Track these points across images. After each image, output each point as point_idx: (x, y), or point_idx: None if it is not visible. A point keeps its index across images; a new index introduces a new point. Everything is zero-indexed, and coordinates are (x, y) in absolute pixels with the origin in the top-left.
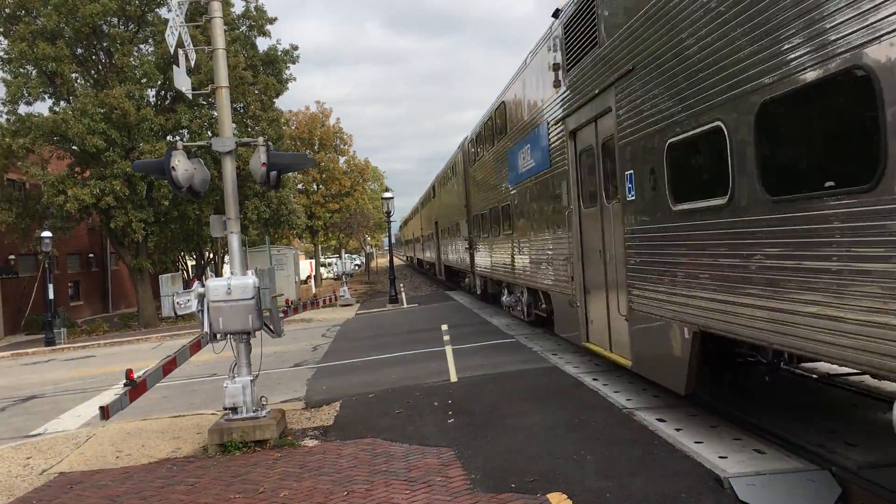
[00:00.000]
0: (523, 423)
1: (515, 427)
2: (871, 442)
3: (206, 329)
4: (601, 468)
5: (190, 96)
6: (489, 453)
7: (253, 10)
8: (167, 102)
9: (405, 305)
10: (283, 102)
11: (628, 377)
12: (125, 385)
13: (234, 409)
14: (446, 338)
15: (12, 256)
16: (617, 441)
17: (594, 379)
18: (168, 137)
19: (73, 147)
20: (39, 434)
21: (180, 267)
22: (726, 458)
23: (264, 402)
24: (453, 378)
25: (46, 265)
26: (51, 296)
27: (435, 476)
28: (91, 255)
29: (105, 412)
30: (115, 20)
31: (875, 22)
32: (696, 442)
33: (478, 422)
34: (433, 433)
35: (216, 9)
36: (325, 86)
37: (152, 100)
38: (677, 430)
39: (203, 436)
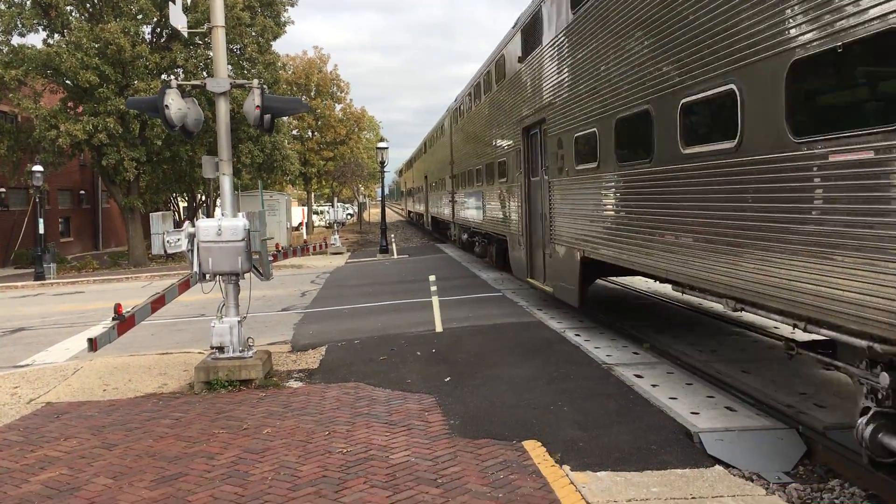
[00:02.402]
0: (505, 374)
1: (497, 377)
2: (838, 404)
3: (196, 269)
4: (577, 419)
5: (186, 35)
6: (469, 401)
7: None
8: (163, 40)
9: (395, 256)
10: (281, 46)
11: (610, 334)
12: (113, 319)
13: (221, 349)
14: (433, 288)
15: (2, 189)
16: (594, 394)
17: (577, 334)
18: (163, 76)
19: (67, 81)
20: (27, 365)
21: (172, 208)
22: (698, 413)
23: (251, 344)
24: (438, 328)
25: (37, 200)
26: (41, 230)
27: (415, 420)
28: (82, 192)
29: (93, 344)
30: None
31: None
32: (670, 398)
33: (460, 371)
34: (416, 380)
35: None
36: (324, 31)
37: (148, 37)
38: (653, 385)
39: (189, 373)
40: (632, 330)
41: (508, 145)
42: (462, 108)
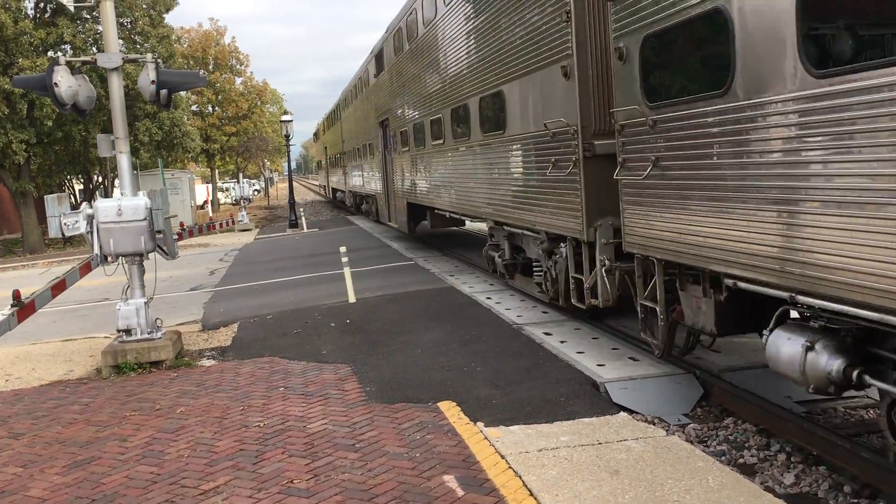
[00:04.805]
0: (419, 339)
1: (411, 343)
2: (732, 348)
3: (97, 251)
4: (490, 378)
5: (72, 9)
6: (385, 368)
7: None
8: (47, 15)
9: (305, 230)
10: (176, 19)
11: (520, 296)
12: (12, 306)
13: (128, 331)
14: (345, 260)
15: None
16: (506, 353)
17: (487, 298)
18: (49, 53)
19: None
20: None
21: (67, 190)
22: (604, 365)
23: (159, 325)
24: (352, 299)
25: None
26: None
27: (331, 390)
28: None
29: None
30: None
31: None
32: (577, 352)
33: (375, 339)
34: (331, 351)
35: None
36: (223, 1)
37: (31, 12)
38: (562, 342)
39: (96, 358)
40: None
41: None
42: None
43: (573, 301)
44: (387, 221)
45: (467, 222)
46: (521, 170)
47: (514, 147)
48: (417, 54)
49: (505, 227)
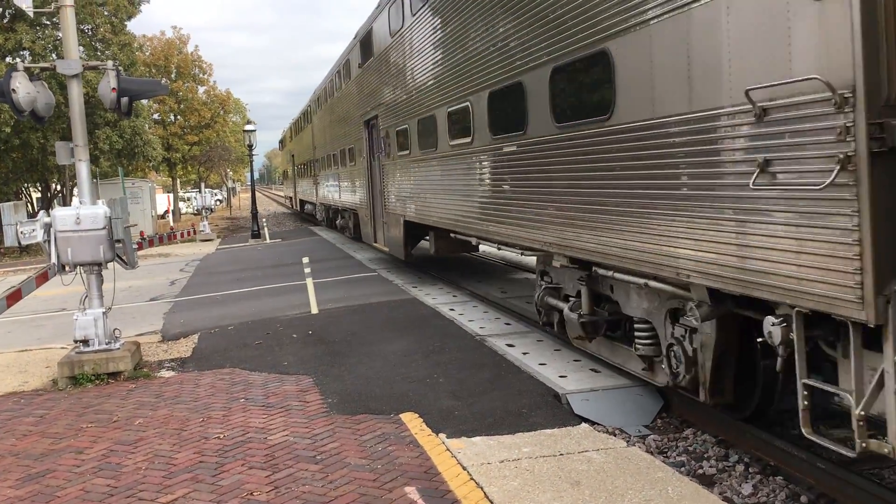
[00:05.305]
0: (382, 350)
1: (374, 354)
2: None
3: (54, 260)
4: (452, 389)
5: (31, 14)
6: (347, 379)
7: None
8: (6, 21)
9: (268, 240)
10: (138, 27)
11: (483, 308)
12: None
13: (86, 342)
14: (308, 270)
15: None
16: (469, 365)
17: (451, 309)
18: (7, 59)
19: None
20: None
21: (24, 198)
22: (566, 377)
23: (118, 335)
24: (314, 310)
25: None
26: None
27: (293, 401)
28: None
29: None
30: None
31: None
32: (540, 364)
33: (337, 350)
34: (293, 362)
35: None
36: (186, 10)
37: None
38: (524, 353)
39: (52, 370)
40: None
41: None
42: None
43: (805, 431)
44: (371, 242)
45: (482, 247)
46: (650, 179)
47: (636, 142)
48: (424, 25)
49: (596, 269)
